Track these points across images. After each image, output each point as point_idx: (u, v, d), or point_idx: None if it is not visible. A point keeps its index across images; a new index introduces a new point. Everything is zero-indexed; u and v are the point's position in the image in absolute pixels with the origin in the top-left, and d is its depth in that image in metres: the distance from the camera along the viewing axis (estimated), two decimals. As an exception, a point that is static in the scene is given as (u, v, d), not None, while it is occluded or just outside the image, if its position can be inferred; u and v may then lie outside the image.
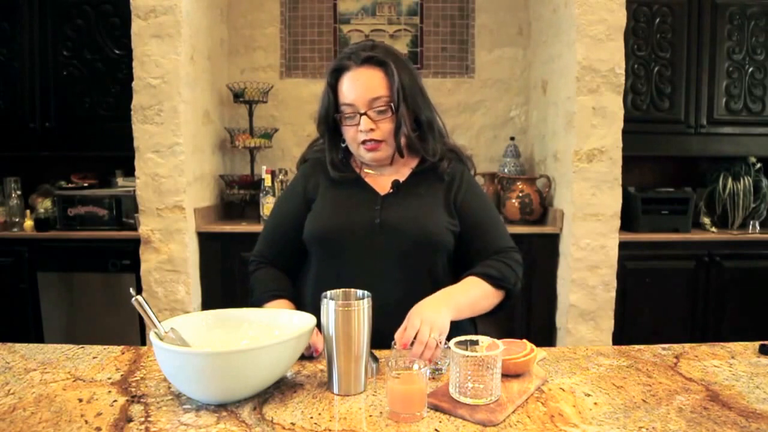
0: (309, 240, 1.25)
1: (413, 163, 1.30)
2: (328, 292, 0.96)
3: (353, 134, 1.22)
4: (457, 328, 1.25)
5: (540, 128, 3.04)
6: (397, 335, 1.02)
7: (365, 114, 1.19)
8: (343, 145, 1.29)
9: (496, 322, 2.74)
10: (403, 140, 1.22)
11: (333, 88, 1.23)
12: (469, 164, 1.35)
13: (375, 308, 0.95)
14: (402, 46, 3.23)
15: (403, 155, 1.25)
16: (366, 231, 1.20)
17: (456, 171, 1.30)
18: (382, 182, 1.27)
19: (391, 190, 1.25)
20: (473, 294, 1.16)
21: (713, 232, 2.86)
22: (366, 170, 1.30)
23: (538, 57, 3.08)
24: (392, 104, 1.19)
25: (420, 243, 1.20)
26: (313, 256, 1.27)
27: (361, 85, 1.19)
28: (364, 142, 1.21)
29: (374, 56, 1.20)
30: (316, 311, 1.00)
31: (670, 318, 2.75)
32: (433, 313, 1.04)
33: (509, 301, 1.23)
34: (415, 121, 1.24)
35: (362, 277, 1.08)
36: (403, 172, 1.29)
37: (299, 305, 1.21)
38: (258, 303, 1.22)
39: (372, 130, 1.19)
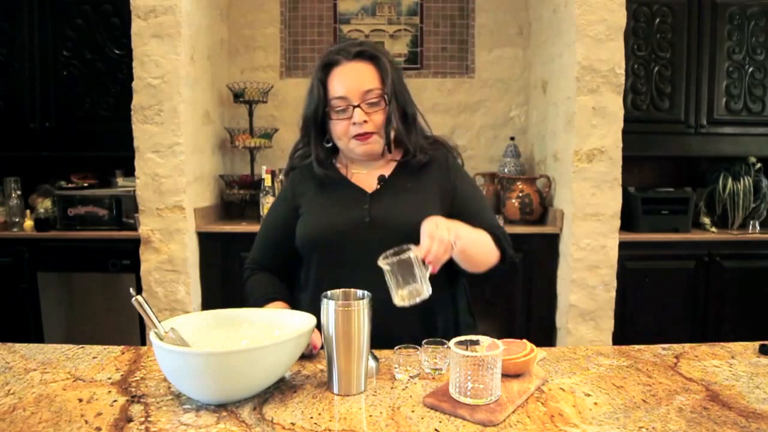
0: (302, 245, 1.26)
1: (397, 157, 1.30)
2: (328, 292, 0.96)
3: (344, 128, 1.22)
4: (458, 327, 1.25)
5: (540, 128, 3.04)
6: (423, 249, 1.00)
7: (358, 106, 1.19)
8: (327, 145, 1.29)
9: (496, 322, 2.75)
10: (392, 134, 1.23)
11: (323, 83, 1.23)
12: (454, 153, 1.35)
13: (374, 308, 0.95)
14: (402, 46, 3.23)
15: (391, 150, 1.26)
16: (357, 230, 1.20)
17: (441, 156, 1.30)
18: (368, 181, 1.27)
19: (378, 186, 1.25)
20: (480, 235, 1.17)
21: (713, 232, 2.86)
22: (353, 170, 1.30)
23: (538, 57, 3.08)
24: (385, 96, 1.21)
25: (411, 237, 1.19)
26: (308, 262, 1.27)
27: (354, 78, 1.20)
28: (356, 135, 1.21)
29: (365, 51, 1.22)
30: (315, 315, 1.00)
31: (670, 318, 2.75)
32: (449, 223, 1.05)
33: (503, 265, 1.23)
34: (401, 116, 1.26)
35: (359, 277, 1.07)
36: (388, 168, 1.29)
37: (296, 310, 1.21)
38: (255, 307, 1.21)
39: (365, 122, 1.20)
